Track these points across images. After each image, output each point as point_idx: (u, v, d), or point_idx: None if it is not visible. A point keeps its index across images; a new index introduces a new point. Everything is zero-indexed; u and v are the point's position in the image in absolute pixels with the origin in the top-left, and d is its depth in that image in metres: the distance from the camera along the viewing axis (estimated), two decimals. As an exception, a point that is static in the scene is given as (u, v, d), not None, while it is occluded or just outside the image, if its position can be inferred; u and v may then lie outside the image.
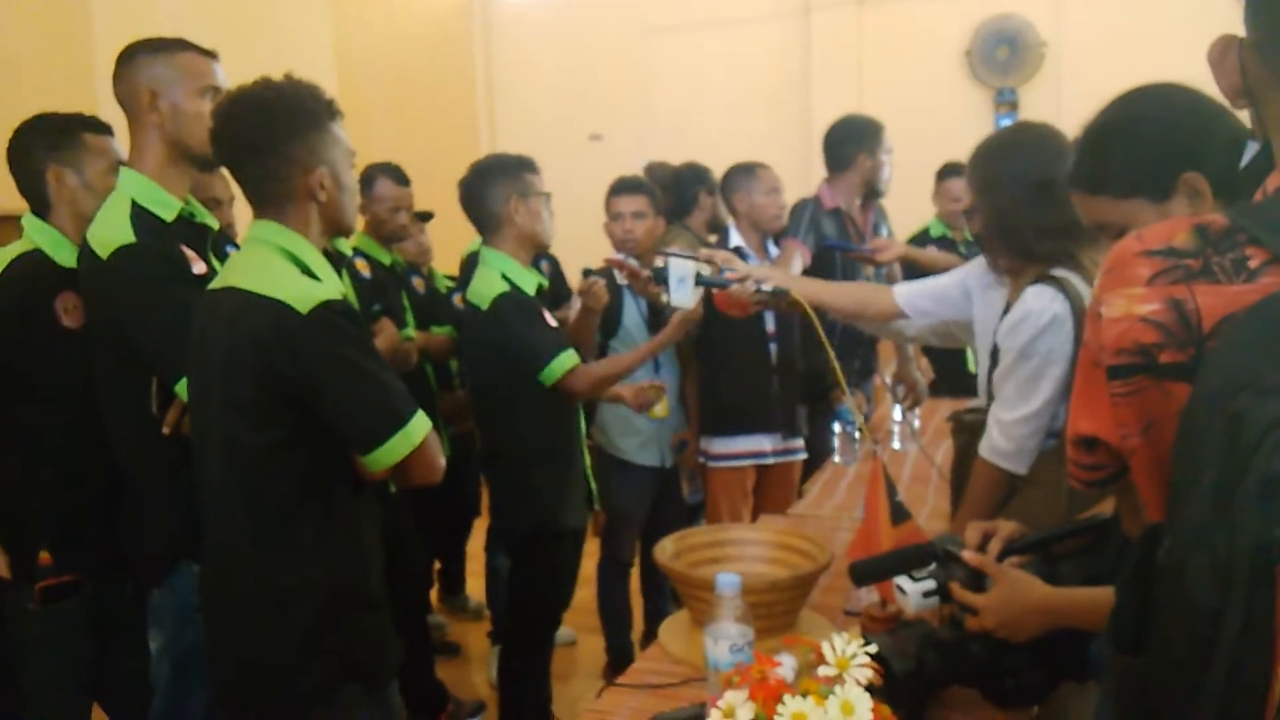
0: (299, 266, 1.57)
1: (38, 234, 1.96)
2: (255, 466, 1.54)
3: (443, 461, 1.62)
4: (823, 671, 1.02)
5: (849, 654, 1.04)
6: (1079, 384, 0.95)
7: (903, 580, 1.42)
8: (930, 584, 1.41)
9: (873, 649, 1.07)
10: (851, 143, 3.30)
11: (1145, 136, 1.15)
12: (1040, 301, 1.70)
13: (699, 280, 2.19)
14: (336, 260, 2.70)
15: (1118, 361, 0.85)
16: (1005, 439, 1.76)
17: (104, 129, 2.01)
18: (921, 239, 4.01)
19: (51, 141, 1.97)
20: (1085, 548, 1.38)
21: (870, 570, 1.51)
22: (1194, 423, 0.77)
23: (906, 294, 2.10)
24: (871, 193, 3.36)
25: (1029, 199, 1.69)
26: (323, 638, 1.57)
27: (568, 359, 2.46)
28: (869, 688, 1.02)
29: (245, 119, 1.58)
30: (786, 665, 1.23)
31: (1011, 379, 1.75)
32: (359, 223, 2.15)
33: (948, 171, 4.13)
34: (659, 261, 2.26)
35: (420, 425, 1.57)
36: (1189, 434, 0.78)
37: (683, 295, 2.22)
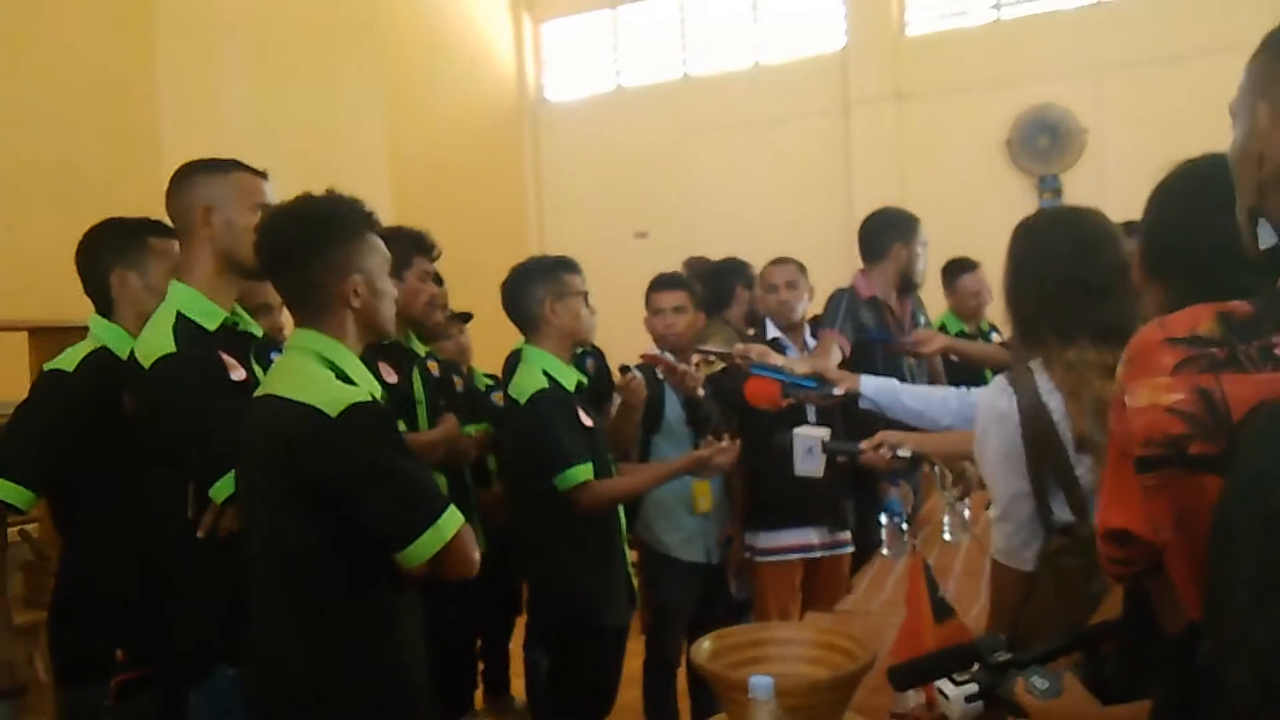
0: (335, 371, 1.62)
1: (103, 332, 2.05)
2: (295, 567, 1.57)
3: (477, 555, 1.63)
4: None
5: (879, 763, 1.00)
6: (1109, 476, 0.92)
7: (944, 684, 1.36)
8: (973, 688, 1.34)
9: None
10: (887, 232, 3.32)
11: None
12: (990, 396, 1.68)
13: (825, 448, 2.22)
14: (408, 359, 2.78)
15: (1145, 453, 0.83)
16: (998, 535, 1.71)
17: (168, 232, 2.10)
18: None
19: (118, 245, 2.08)
20: (1128, 644, 1.32)
21: (909, 674, 1.46)
22: (1228, 518, 0.74)
23: None
24: (906, 284, 3.36)
25: (1045, 287, 1.66)
26: None
27: (582, 472, 2.46)
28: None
29: (284, 231, 1.66)
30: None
31: (986, 476, 1.72)
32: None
33: (961, 268, 4.17)
34: (693, 359, 2.28)
35: (452, 520, 1.58)
36: (1223, 529, 0.75)
37: (810, 465, 2.25)
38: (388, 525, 1.56)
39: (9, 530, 2.78)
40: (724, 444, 2.68)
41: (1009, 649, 1.35)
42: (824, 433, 2.25)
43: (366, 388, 1.62)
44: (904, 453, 2.09)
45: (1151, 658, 1.17)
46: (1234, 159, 0.95)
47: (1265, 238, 0.96)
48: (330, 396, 1.54)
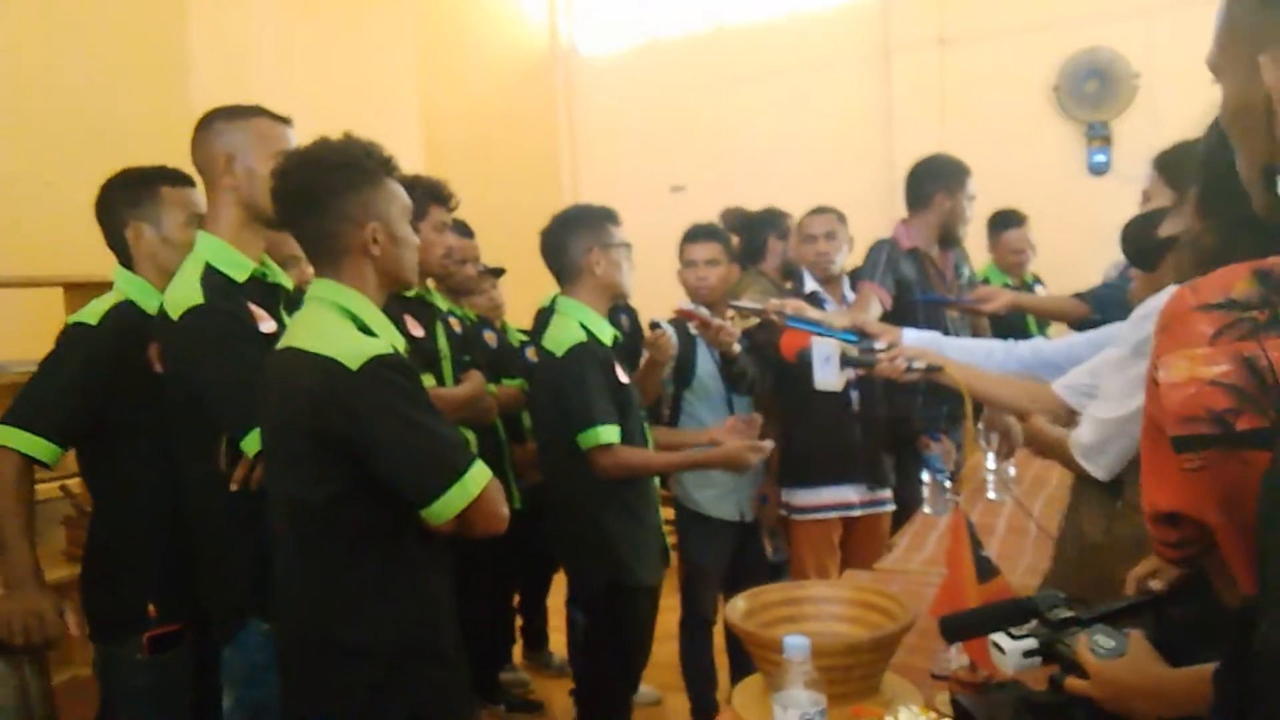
0: (355, 323, 1.58)
1: (126, 284, 2.03)
2: (316, 522, 1.55)
3: (506, 511, 1.61)
4: (890, 748, 0.94)
5: (920, 729, 0.96)
6: (1147, 455, 0.85)
7: (1000, 637, 1.30)
8: (1032, 642, 1.28)
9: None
10: (931, 181, 3.22)
11: None
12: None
13: (845, 361, 2.14)
14: (431, 314, 2.75)
15: (1183, 431, 0.75)
16: (1090, 432, 1.64)
17: (183, 180, 2.07)
18: None
19: (131, 197, 2.04)
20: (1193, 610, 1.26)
21: (963, 625, 1.41)
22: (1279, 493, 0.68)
23: (1070, 385, 1.90)
24: (947, 236, 3.25)
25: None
26: (390, 691, 1.56)
27: (606, 433, 2.40)
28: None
29: (300, 177, 1.62)
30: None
31: (1119, 375, 1.63)
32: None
33: (1008, 222, 4.05)
34: (729, 315, 2.21)
35: (478, 475, 1.55)
36: (1276, 506, 0.69)
37: (828, 376, 2.16)
38: (411, 481, 1.53)
39: (49, 485, 2.84)
40: (762, 442, 2.60)
41: (1068, 606, 1.30)
42: (842, 345, 2.15)
43: (388, 339, 1.58)
44: (919, 364, 2.01)
45: (1213, 625, 1.11)
46: (1229, 117, 0.87)
47: None
48: (351, 348, 1.50)
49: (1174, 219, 1.67)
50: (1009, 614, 1.34)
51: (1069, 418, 1.92)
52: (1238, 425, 0.73)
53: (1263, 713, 0.68)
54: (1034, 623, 1.31)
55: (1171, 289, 1.59)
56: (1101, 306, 2.98)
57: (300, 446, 1.54)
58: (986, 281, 4.01)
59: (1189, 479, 0.77)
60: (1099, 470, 1.65)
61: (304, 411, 1.52)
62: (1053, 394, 1.92)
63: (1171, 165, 1.71)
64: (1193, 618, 1.19)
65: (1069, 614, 1.28)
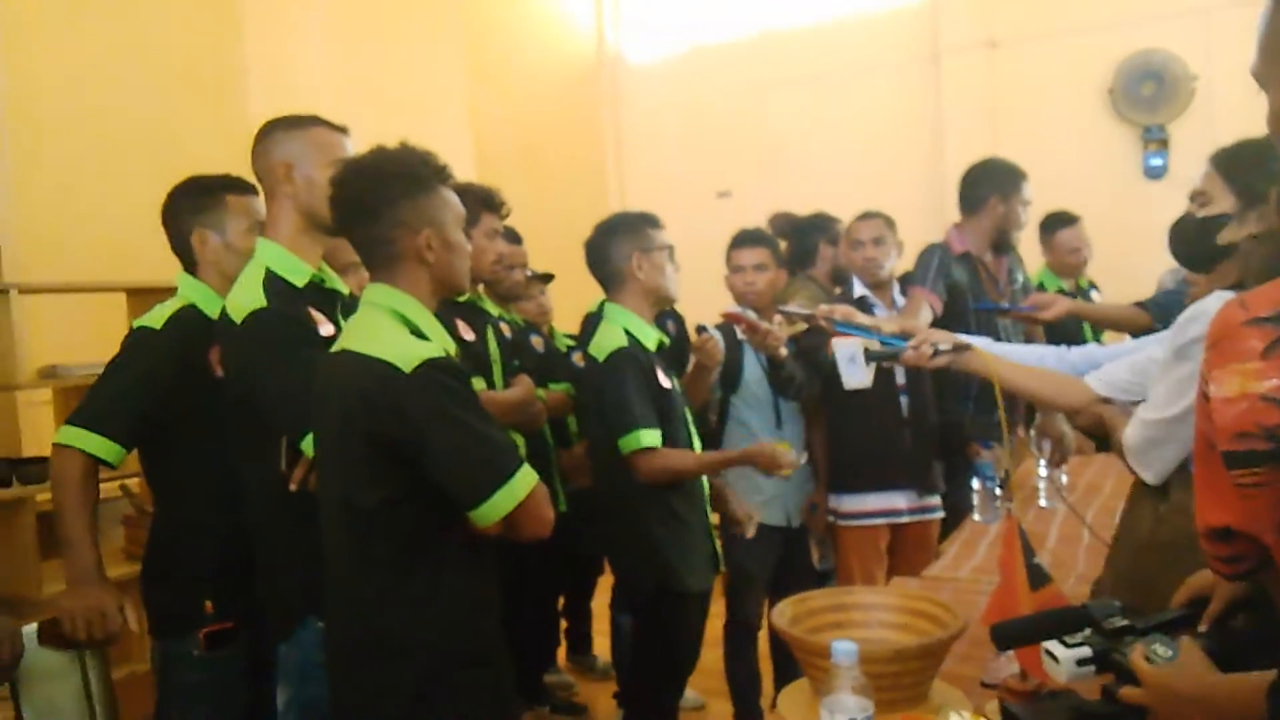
0: (409, 327, 1.61)
1: (190, 290, 2.09)
2: (368, 524, 1.58)
3: (551, 514, 1.62)
4: (940, 754, 0.93)
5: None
6: (1200, 471, 0.84)
7: (1054, 645, 1.27)
8: (1086, 651, 1.25)
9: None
10: (984, 185, 3.18)
11: None
12: (1218, 304, 1.55)
13: (869, 356, 2.12)
14: (482, 318, 2.78)
15: (1237, 447, 0.75)
16: (1138, 435, 1.62)
17: (247, 189, 2.13)
18: None
19: (196, 204, 2.10)
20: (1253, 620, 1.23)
21: (1016, 633, 1.38)
22: None
23: (1104, 378, 1.87)
24: (1001, 241, 3.21)
25: None
26: (435, 693, 1.58)
27: (647, 437, 2.41)
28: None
29: (355, 185, 1.65)
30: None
31: (1164, 379, 1.60)
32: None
33: (1061, 221, 3.98)
34: (775, 320, 2.20)
35: (525, 479, 1.57)
36: None
37: (856, 376, 2.13)
38: (460, 483, 1.55)
39: (110, 485, 2.92)
40: (793, 455, 2.63)
41: (1124, 615, 1.27)
42: (864, 341, 2.12)
43: (440, 344, 1.61)
44: (945, 347, 1.99)
45: (1272, 638, 1.08)
46: (1271, 126, 0.85)
47: None
48: (405, 352, 1.53)
49: (1237, 225, 1.63)
50: (1063, 622, 1.31)
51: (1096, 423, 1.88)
52: None
53: None
54: (1088, 631, 1.29)
55: (1221, 294, 1.56)
56: (1164, 316, 2.92)
57: (354, 449, 1.57)
58: (1041, 287, 3.95)
59: (1242, 495, 0.76)
60: (1148, 474, 1.62)
61: (358, 413, 1.55)
62: (1081, 387, 1.88)
63: (1235, 165, 1.66)
64: (1252, 629, 1.17)
65: (1124, 623, 1.25)
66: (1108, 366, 1.91)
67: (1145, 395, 1.83)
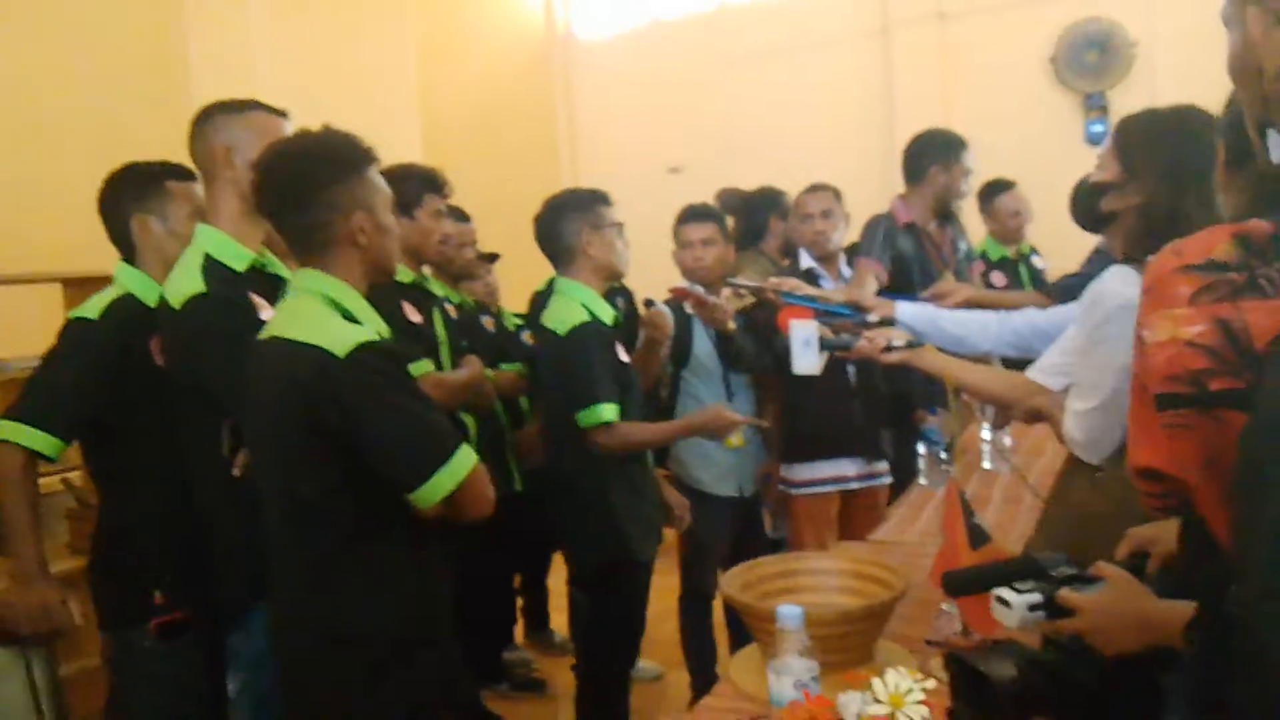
0: (341, 312, 1.59)
1: (128, 279, 2.05)
2: (309, 512, 1.56)
3: (492, 494, 1.62)
4: (872, 710, 0.96)
5: (903, 690, 0.98)
6: (1134, 411, 0.87)
7: (1005, 592, 1.29)
8: (1037, 597, 1.27)
9: (930, 685, 1.00)
10: (926, 155, 3.21)
11: None
12: (1116, 284, 1.59)
13: (824, 345, 2.16)
14: (428, 300, 2.76)
15: (1165, 390, 0.77)
16: (1079, 429, 1.65)
17: (187, 175, 2.09)
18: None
19: (137, 190, 2.06)
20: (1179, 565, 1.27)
21: (967, 580, 1.41)
22: (1254, 457, 0.69)
23: (1044, 368, 1.91)
24: (942, 210, 3.25)
25: (1178, 188, 1.55)
26: (386, 678, 1.57)
27: (608, 411, 2.43)
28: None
29: (283, 169, 1.62)
30: (849, 703, 1.17)
31: (1086, 366, 1.64)
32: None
33: (998, 187, 4.04)
34: (724, 293, 2.22)
35: (464, 459, 1.56)
36: (1249, 468, 0.70)
37: (808, 361, 2.17)
38: (399, 466, 1.54)
39: (51, 479, 2.87)
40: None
41: (1070, 565, 1.30)
42: (820, 327, 2.17)
43: (374, 327, 1.60)
44: (898, 343, 2.03)
45: (1197, 580, 1.12)
46: (1233, 71, 0.88)
47: (1276, 150, 0.89)
48: (338, 337, 1.51)
49: (1118, 194, 1.67)
50: (1013, 570, 1.34)
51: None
52: (1211, 386, 0.74)
53: (1239, 677, 0.69)
54: (1034, 582, 1.31)
55: (1115, 269, 1.60)
56: (1064, 300, 2.98)
57: (290, 437, 1.55)
58: (985, 255, 4.00)
59: (1169, 436, 0.78)
60: (1093, 458, 1.66)
61: (293, 401, 1.53)
62: (1029, 381, 1.92)
63: (1124, 136, 1.68)
64: (1176, 579, 1.21)
65: (1072, 571, 1.29)
66: (1044, 358, 1.94)
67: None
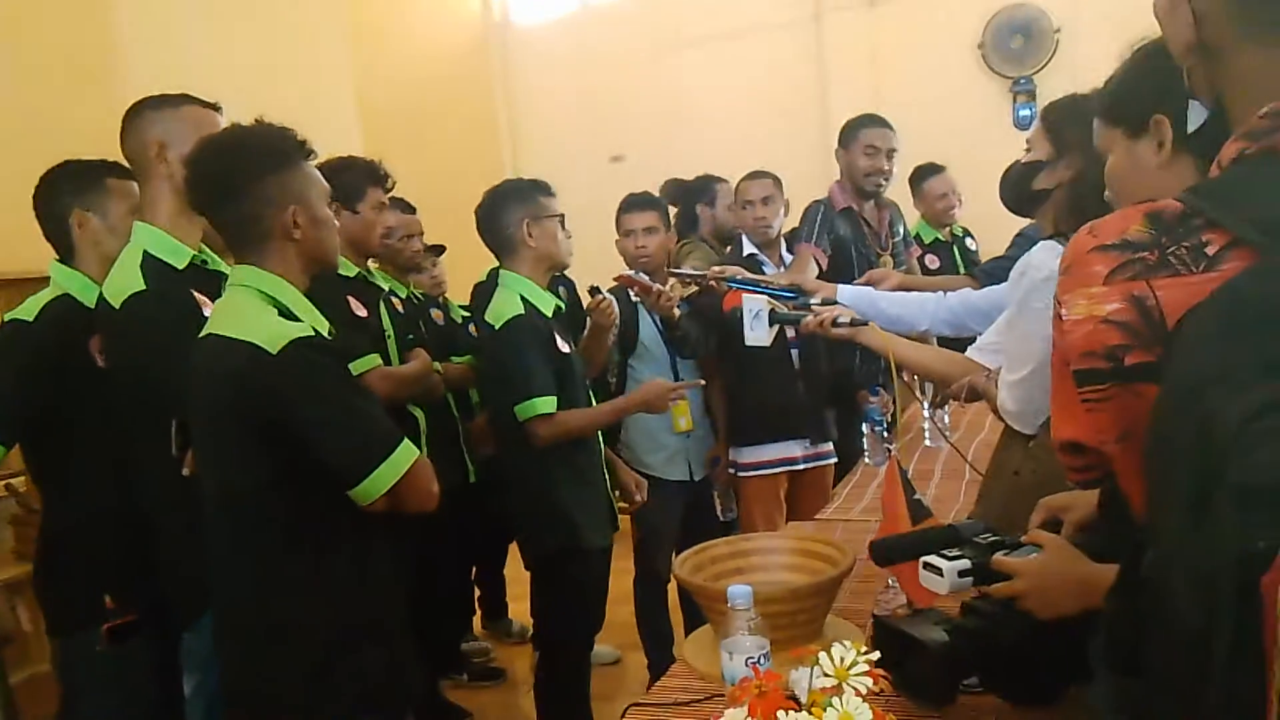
0: (277, 308, 1.58)
1: (64, 279, 2.02)
2: (248, 508, 1.56)
3: (435, 487, 1.62)
4: (820, 683, 1.01)
5: (848, 663, 1.03)
6: (1055, 386, 0.90)
7: (934, 559, 1.33)
8: (966, 563, 1.32)
9: (874, 656, 1.05)
10: (839, 141, 3.30)
11: (1140, 67, 1.14)
12: (1042, 255, 1.66)
13: (774, 318, 2.22)
14: (374, 293, 2.75)
15: (1084, 366, 0.81)
16: (1011, 399, 1.72)
17: (127, 173, 2.06)
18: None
19: (76, 186, 2.03)
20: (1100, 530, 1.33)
21: (892, 548, 1.46)
22: (1162, 428, 0.72)
23: (982, 347, 1.98)
24: (862, 192, 3.32)
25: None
26: (333, 672, 1.58)
27: (543, 404, 2.45)
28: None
29: (214, 163, 1.61)
30: (801, 679, 1.22)
31: (1014, 337, 1.71)
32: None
33: (927, 171, 4.14)
34: (670, 283, 2.26)
35: (405, 453, 1.57)
36: (1159, 438, 0.73)
37: (759, 333, 2.24)
38: (339, 461, 1.54)
39: (-7, 485, 2.81)
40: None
41: (992, 532, 1.36)
42: (771, 302, 2.24)
43: (311, 322, 1.59)
44: (843, 319, 2.10)
45: (1116, 548, 1.18)
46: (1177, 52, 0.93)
47: (1195, 118, 0.94)
48: (271, 333, 1.51)
49: (1050, 171, 1.74)
50: (936, 539, 1.38)
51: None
52: (1126, 361, 0.78)
53: (1152, 637, 0.73)
54: (965, 547, 1.36)
55: (1044, 244, 1.68)
56: (989, 283, 3.08)
57: (228, 435, 1.54)
58: (919, 238, 4.10)
59: (1089, 410, 0.82)
60: (1027, 428, 1.72)
61: (229, 399, 1.53)
62: (968, 360, 1.99)
63: (1052, 116, 1.77)
64: (1098, 545, 1.27)
65: (995, 538, 1.34)
66: (982, 337, 2.02)
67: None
